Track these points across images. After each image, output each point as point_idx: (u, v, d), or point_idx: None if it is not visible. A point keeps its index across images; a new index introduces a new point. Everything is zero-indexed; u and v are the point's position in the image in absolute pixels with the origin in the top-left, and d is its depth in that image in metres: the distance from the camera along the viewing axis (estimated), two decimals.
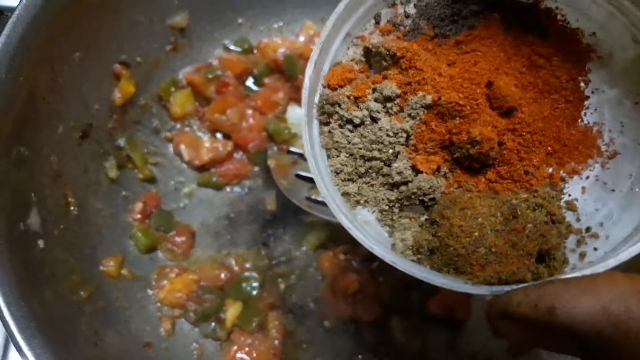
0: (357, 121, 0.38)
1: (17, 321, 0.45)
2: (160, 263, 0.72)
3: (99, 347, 0.59)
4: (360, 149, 0.38)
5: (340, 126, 0.38)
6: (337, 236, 0.74)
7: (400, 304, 0.71)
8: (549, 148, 0.38)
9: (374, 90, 0.38)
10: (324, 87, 0.39)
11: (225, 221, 0.76)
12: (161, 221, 0.73)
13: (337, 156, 0.38)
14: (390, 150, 0.37)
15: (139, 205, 0.72)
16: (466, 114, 0.36)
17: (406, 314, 0.70)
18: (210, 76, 0.78)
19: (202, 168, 0.77)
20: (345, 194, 0.38)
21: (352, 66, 0.40)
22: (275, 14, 0.82)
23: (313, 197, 0.74)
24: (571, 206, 0.38)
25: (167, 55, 0.77)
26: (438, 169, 0.38)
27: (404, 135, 0.37)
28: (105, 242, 0.68)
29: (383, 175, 0.38)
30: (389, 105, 0.38)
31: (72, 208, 0.64)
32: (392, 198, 0.38)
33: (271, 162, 0.76)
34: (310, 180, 0.77)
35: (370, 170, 0.38)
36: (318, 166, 0.38)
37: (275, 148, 0.78)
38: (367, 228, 0.38)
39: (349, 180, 0.39)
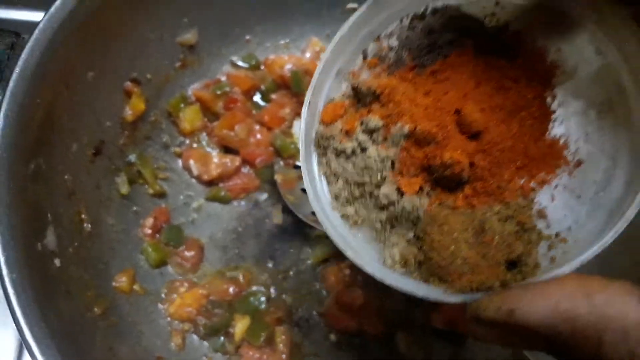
0: (349, 152, 0.42)
1: (39, 342, 0.47)
2: (170, 277, 0.73)
3: None
4: (354, 175, 0.42)
5: (336, 156, 0.42)
6: None
7: (404, 318, 0.72)
8: (519, 162, 0.41)
9: (362, 123, 0.42)
10: (320, 123, 0.43)
11: (233, 235, 0.77)
12: (171, 236, 0.74)
13: (335, 183, 0.42)
14: (379, 175, 0.41)
15: (149, 221, 0.73)
16: (439, 140, 0.39)
17: (410, 328, 0.72)
18: (218, 92, 0.79)
19: (210, 183, 0.78)
20: (345, 216, 0.42)
21: (344, 101, 0.43)
22: (282, 31, 0.83)
23: None
24: (542, 214, 0.40)
25: (176, 71, 0.78)
26: (421, 189, 0.41)
27: (389, 161, 0.41)
28: (118, 258, 0.70)
29: (374, 198, 0.42)
30: (374, 135, 0.41)
31: (85, 225, 0.65)
32: (383, 218, 0.41)
33: (278, 177, 0.77)
34: None
35: (363, 194, 0.42)
36: (317, 196, 0.42)
37: (281, 163, 0.79)
38: (364, 245, 0.42)
39: (347, 203, 0.42)
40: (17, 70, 0.55)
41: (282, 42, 0.84)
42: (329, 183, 0.43)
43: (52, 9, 0.57)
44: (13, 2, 0.83)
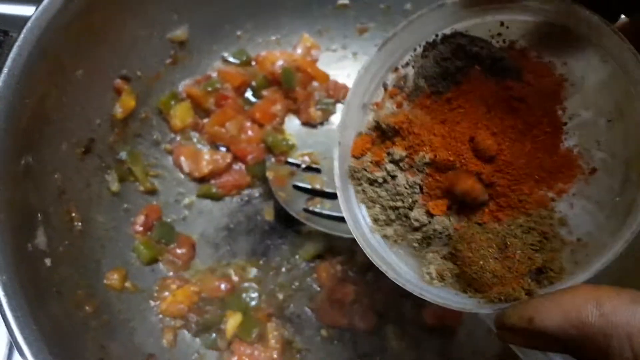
0: (380, 180, 0.45)
1: (30, 345, 0.47)
2: (161, 275, 0.74)
3: None
4: (388, 200, 0.45)
5: (369, 185, 0.46)
6: (334, 247, 0.76)
7: (394, 313, 0.73)
8: (536, 176, 0.43)
9: (388, 154, 0.45)
10: (351, 156, 0.46)
11: (225, 232, 0.78)
12: (162, 233, 0.74)
13: (373, 207, 0.46)
14: (410, 200, 0.44)
15: (140, 218, 0.74)
16: (457, 167, 0.43)
17: (401, 322, 0.73)
18: (209, 89, 0.79)
19: (201, 180, 0.78)
20: (384, 236, 0.45)
21: (370, 135, 0.47)
22: (273, 27, 0.83)
23: (310, 208, 0.76)
24: (563, 222, 0.42)
25: (167, 68, 0.78)
26: (449, 208, 0.44)
27: (417, 186, 0.44)
28: (109, 256, 0.70)
29: (408, 220, 0.45)
30: (401, 164, 0.44)
31: (76, 223, 0.66)
32: (419, 237, 0.45)
33: (269, 174, 0.78)
34: (308, 191, 0.79)
35: (399, 216, 0.45)
36: (356, 223, 0.45)
37: (273, 160, 0.79)
38: (404, 263, 0.45)
39: (385, 225, 0.46)
40: (5, 69, 0.54)
41: (273, 38, 0.84)
42: (367, 208, 0.46)
43: (40, 7, 0.57)
44: None
